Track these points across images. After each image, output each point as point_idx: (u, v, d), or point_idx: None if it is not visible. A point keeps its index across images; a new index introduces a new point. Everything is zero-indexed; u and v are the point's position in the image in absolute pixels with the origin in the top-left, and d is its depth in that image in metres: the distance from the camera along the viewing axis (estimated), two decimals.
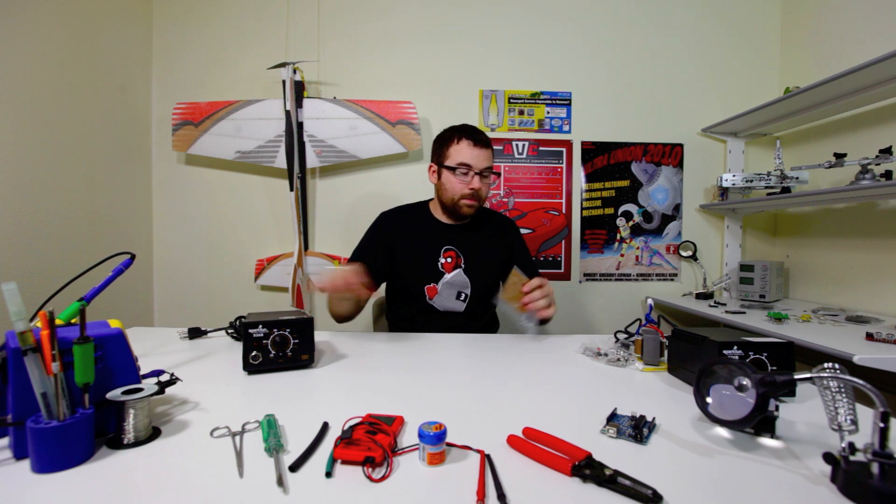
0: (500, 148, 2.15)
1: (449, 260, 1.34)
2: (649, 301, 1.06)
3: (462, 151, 1.27)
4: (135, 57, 1.99)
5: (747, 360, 0.71)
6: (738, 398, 0.56)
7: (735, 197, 2.02)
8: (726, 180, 1.96)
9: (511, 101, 2.15)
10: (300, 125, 1.97)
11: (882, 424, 0.44)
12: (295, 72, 1.94)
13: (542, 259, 2.18)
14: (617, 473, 0.47)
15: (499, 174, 1.35)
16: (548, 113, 2.17)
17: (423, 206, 1.44)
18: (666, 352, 0.89)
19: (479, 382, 0.81)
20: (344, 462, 0.50)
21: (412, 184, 2.12)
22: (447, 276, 1.32)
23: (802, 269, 2.03)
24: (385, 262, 1.34)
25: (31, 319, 0.52)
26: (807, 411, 0.67)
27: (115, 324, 0.61)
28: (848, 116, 1.78)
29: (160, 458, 0.52)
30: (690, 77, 2.19)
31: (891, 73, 1.42)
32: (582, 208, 2.19)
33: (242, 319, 0.95)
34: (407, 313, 1.36)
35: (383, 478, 0.48)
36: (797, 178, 1.78)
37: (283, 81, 1.93)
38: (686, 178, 2.21)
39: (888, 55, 1.29)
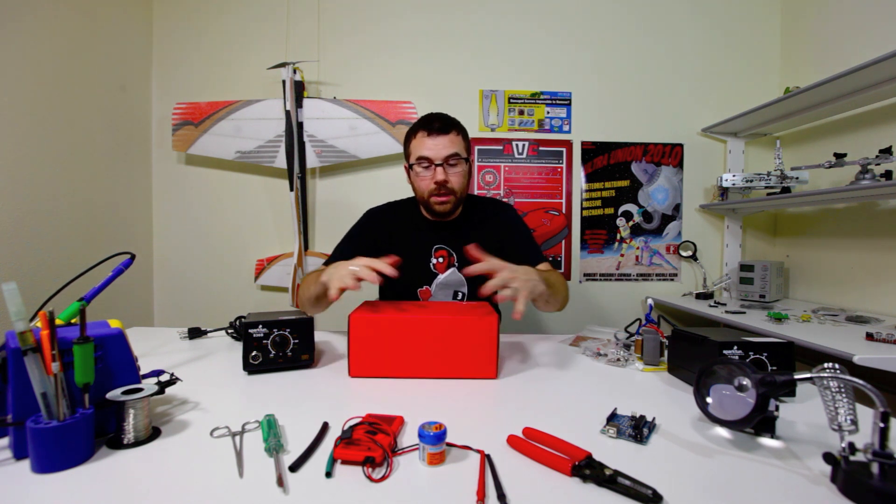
0: (500, 148, 2.15)
1: (441, 260, 1.28)
2: (649, 301, 1.05)
3: (419, 144, 1.17)
4: (135, 57, 1.99)
5: (747, 360, 0.71)
6: (738, 398, 0.56)
7: (735, 197, 2.02)
8: (726, 180, 1.96)
9: (511, 101, 2.15)
10: (300, 125, 1.97)
11: (882, 424, 0.44)
12: (295, 72, 1.94)
13: None
14: (617, 473, 0.47)
15: (467, 160, 1.25)
16: (548, 113, 2.16)
17: (412, 203, 1.34)
18: (666, 352, 0.89)
19: (479, 382, 0.81)
20: (344, 462, 0.50)
21: None
22: (441, 277, 1.27)
23: (802, 269, 2.03)
24: None
25: (32, 319, 0.52)
26: (807, 411, 0.67)
27: (115, 324, 0.61)
28: (848, 116, 1.78)
29: (160, 458, 0.52)
30: (690, 77, 2.18)
31: (891, 73, 1.42)
32: (582, 208, 2.19)
33: (242, 319, 0.95)
34: None
35: (383, 478, 0.48)
36: (797, 178, 1.78)
37: (283, 81, 1.92)
38: (686, 178, 2.21)
39: (888, 55, 1.28)
